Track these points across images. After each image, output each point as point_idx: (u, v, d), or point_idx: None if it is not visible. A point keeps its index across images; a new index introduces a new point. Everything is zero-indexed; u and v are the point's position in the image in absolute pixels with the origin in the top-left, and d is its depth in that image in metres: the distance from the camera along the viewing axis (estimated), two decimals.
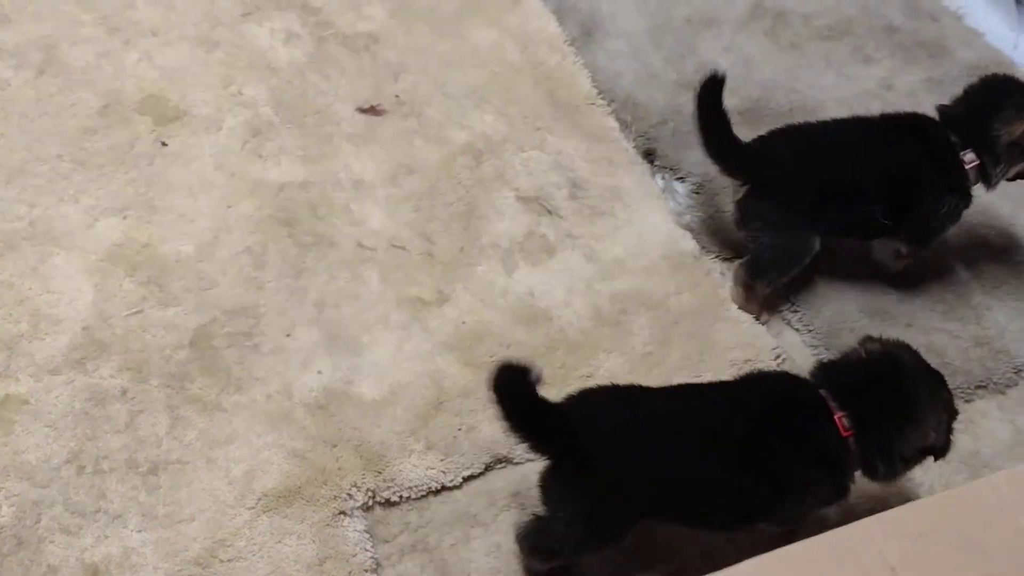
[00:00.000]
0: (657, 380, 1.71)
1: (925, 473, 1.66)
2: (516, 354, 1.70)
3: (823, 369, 1.45)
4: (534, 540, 1.43)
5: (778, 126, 1.91)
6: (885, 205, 1.76)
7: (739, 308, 1.83)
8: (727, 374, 1.74)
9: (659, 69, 2.28)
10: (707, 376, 1.74)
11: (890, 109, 2.22)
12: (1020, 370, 1.82)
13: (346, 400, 1.61)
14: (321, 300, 1.75)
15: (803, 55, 2.36)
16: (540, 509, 1.41)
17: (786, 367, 1.78)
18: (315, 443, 1.55)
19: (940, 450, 1.38)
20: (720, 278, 1.90)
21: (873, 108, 2.24)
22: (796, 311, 1.87)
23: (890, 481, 1.41)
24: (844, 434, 1.34)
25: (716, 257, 1.95)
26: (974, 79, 2.34)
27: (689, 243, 1.95)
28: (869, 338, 1.45)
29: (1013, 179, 1.82)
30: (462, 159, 2.01)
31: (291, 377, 1.63)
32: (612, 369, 1.72)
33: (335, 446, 1.55)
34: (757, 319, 1.83)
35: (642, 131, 2.15)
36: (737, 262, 1.87)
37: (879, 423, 1.35)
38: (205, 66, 2.07)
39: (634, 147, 2.12)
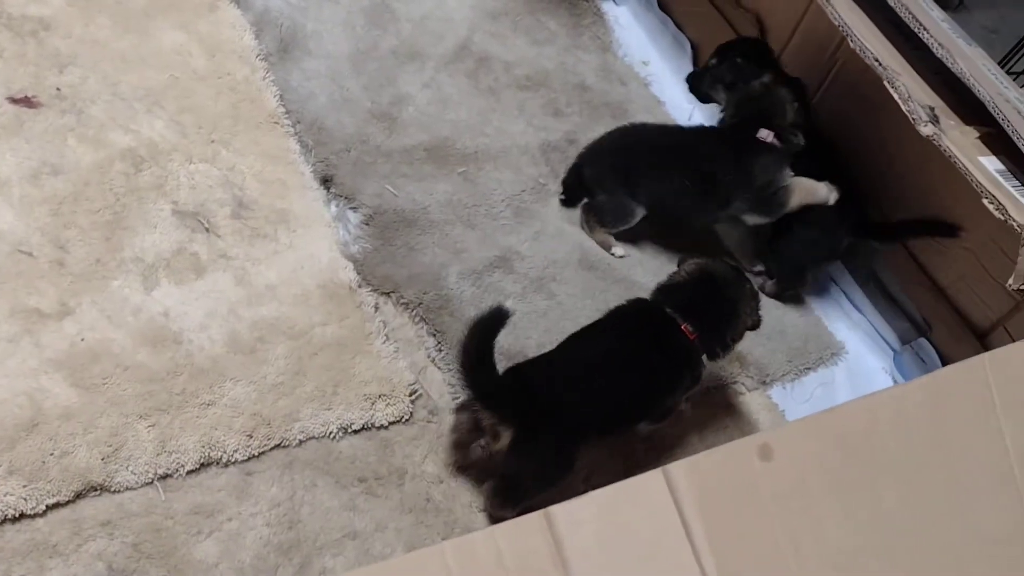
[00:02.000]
0: (283, 412, 1.73)
1: None
2: (132, 377, 1.65)
3: (663, 291, 1.84)
4: (504, 496, 1.69)
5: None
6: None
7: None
8: (359, 408, 1.78)
9: (355, 95, 2.30)
10: (338, 409, 1.76)
11: (569, 163, 2.39)
12: None
13: None
14: None
15: (499, 101, 2.46)
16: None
17: (420, 403, 1.85)
18: None
19: (755, 326, 1.86)
20: (372, 312, 1.93)
21: (554, 160, 2.39)
22: (440, 350, 1.94)
23: (727, 356, 1.86)
24: (691, 338, 1.75)
25: (374, 290, 1.98)
26: None
27: (349, 274, 1.97)
28: (684, 259, 1.88)
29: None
30: (120, 164, 1.92)
31: None
32: (237, 398, 1.70)
33: None
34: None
35: (323, 156, 2.15)
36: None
37: (713, 324, 1.79)
38: None
39: (312, 171, 2.12)
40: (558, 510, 0.96)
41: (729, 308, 1.82)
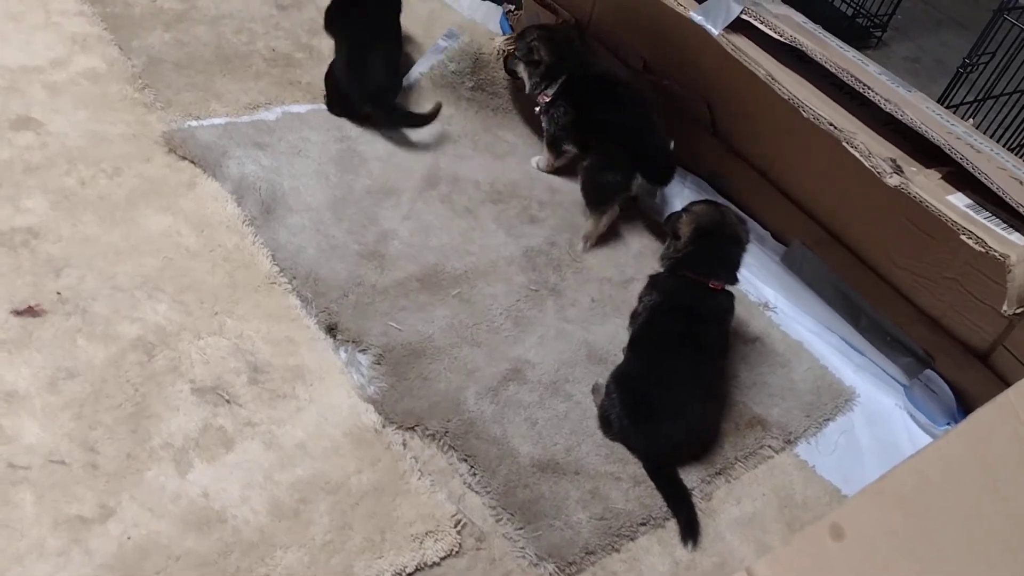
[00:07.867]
0: (338, 570, 1.73)
1: None
2: (185, 565, 1.66)
3: (680, 263, 2.15)
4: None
5: None
6: None
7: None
8: (409, 550, 1.79)
9: (341, 241, 2.37)
10: (389, 556, 1.77)
11: (555, 264, 2.47)
12: None
13: None
14: None
15: (476, 218, 2.55)
16: None
17: (467, 532, 1.86)
18: None
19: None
20: (401, 449, 1.96)
21: (540, 263, 2.47)
22: (475, 474, 1.96)
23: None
24: (719, 289, 2.10)
25: (398, 428, 2.01)
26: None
27: (371, 416, 2.00)
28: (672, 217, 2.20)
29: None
30: (132, 355, 1.96)
31: None
32: (290, 565, 1.70)
33: None
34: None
35: (324, 306, 2.20)
36: None
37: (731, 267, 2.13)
38: None
39: (316, 323, 2.17)
40: None
41: (737, 247, 2.14)
